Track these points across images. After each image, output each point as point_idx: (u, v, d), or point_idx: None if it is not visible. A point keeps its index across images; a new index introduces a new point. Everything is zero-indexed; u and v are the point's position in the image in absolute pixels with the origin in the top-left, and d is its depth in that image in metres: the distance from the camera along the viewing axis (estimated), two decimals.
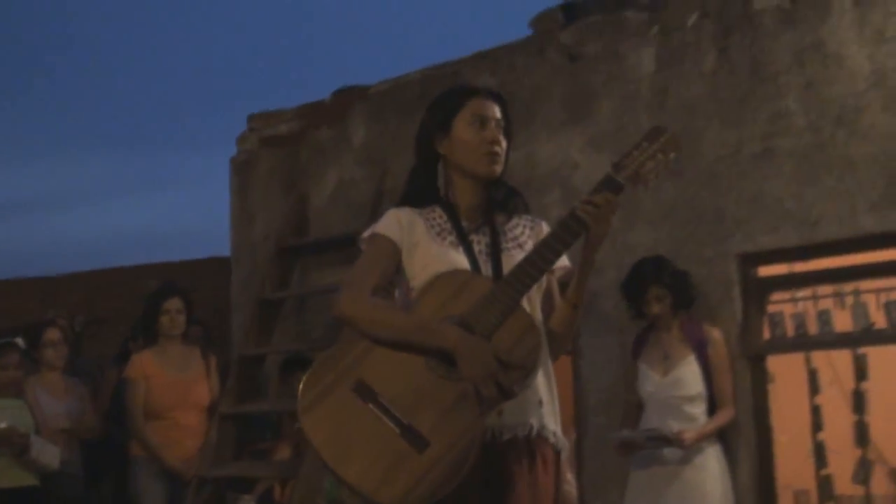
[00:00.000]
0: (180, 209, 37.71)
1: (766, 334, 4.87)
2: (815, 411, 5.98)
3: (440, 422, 2.36)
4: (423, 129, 2.70)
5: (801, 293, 4.95)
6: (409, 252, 2.61)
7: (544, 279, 2.60)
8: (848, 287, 4.89)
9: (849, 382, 5.99)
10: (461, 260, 2.57)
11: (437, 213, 2.66)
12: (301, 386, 2.43)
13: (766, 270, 4.94)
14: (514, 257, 2.56)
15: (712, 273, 4.84)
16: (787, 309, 4.93)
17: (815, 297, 4.93)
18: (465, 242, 2.61)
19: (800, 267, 4.94)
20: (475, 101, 2.66)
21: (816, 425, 5.95)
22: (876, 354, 5.78)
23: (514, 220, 2.71)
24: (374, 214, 5.84)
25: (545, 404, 2.56)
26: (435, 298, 2.48)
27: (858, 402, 5.93)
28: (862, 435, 5.91)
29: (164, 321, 5.47)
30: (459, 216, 2.65)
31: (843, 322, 4.87)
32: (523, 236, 2.67)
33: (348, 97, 6.44)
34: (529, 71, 5.61)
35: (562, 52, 5.51)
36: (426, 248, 2.59)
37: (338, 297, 2.53)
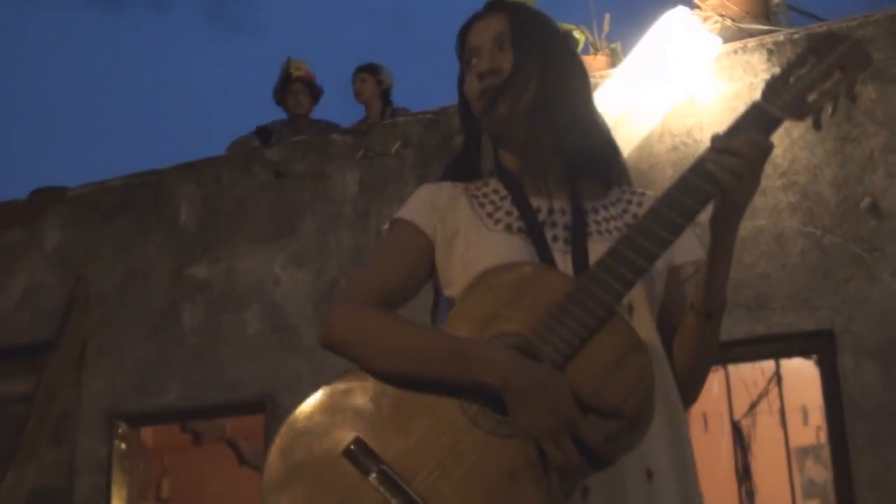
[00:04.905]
0: None
1: None
2: None
3: None
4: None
5: None
6: (446, 246, 1.75)
7: (658, 279, 1.74)
8: None
9: None
10: (523, 251, 1.68)
11: (492, 187, 1.81)
12: (270, 450, 1.59)
13: None
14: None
15: None
16: None
17: None
18: (532, 225, 1.72)
19: None
20: (468, 36, 1.84)
21: None
22: None
23: (615, 194, 1.83)
24: (65, 322, 5.61)
25: (659, 477, 1.60)
26: (481, 306, 1.60)
27: None
28: None
29: None
30: (525, 189, 1.78)
31: None
32: (627, 215, 1.79)
33: (44, 199, 6.19)
34: (235, 185, 5.62)
35: (268, 169, 5.57)
36: (470, 235, 1.73)
37: (329, 314, 1.71)
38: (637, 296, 1.66)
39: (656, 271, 1.72)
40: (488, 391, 1.50)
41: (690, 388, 1.74)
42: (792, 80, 1.63)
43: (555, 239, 1.71)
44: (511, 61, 1.77)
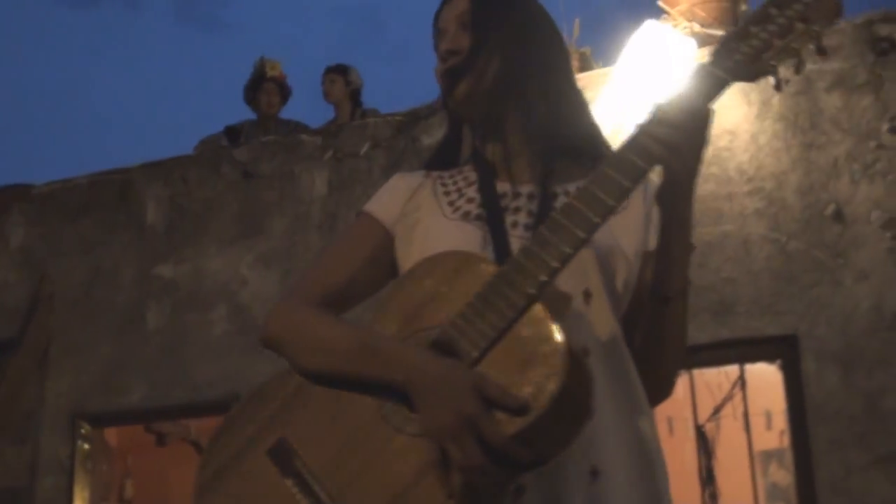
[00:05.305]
0: None
1: None
2: None
3: None
4: None
5: None
6: (406, 237, 1.67)
7: (623, 266, 1.62)
8: None
9: None
10: (476, 239, 1.58)
11: (465, 174, 1.72)
12: (203, 453, 1.61)
13: None
14: None
15: None
16: None
17: None
18: (491, 211, 1.61)
19: None
20: (437, 21, 1.75)
21: None
22: None
23: None
24: (28, 321, 5.56)
25: (607, 477, 1.48)
26: (408, 299, 1.51)
27: None
28: None
29: None
30: (496, 174, 1.68)
31: None
32: None
33: (9, 196, 6.13)
34: (202, 184, 5.59)
35: (236, 169, 5.55)
36: (428, 224, 1.65)
37: (269, 311, 1.67)
38: (595, 283, 1.56)
39: (623, 257, 1.62)
40: (397, 388, 1.43)
41: (651, 380, 1.60)
42: (748, 37, 1.43)
43: (514, 225, 1.60)
44: (471, 43, 1.67)
